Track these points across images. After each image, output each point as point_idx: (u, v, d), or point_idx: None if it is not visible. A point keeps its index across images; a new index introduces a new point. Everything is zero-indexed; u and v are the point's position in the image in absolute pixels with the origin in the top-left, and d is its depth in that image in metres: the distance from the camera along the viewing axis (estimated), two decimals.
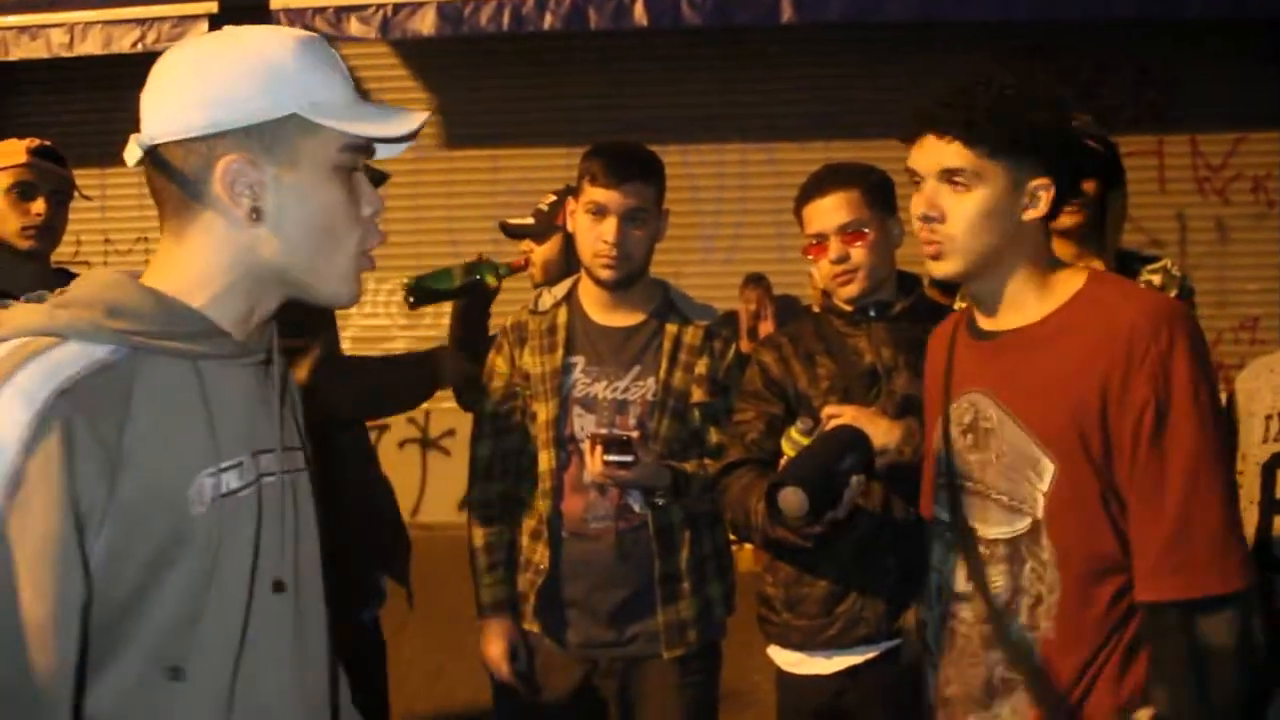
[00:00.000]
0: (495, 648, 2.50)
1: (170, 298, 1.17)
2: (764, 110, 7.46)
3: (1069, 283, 1.69)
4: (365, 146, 1.23)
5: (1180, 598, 1.51)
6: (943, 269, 1.69)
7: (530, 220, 3.08)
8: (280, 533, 1.26)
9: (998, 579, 1.68)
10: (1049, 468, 1.61)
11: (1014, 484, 1.65)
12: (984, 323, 1.75)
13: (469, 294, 2.86)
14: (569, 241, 2.79)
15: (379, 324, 7.85)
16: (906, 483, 2.13)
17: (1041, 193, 1.65)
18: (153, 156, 1.19)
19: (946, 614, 1.77)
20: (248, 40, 1.19)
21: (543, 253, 3.04)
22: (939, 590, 1.81)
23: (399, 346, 7.60)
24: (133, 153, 1.21)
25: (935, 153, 1.66)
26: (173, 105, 1.18)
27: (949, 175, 1.65)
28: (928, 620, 1.85)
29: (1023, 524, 1.65)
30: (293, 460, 1.31)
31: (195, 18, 6.85)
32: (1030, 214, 1.66)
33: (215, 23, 6.73)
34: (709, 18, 6.26)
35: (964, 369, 1.77)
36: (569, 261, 2.81)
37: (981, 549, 1.69)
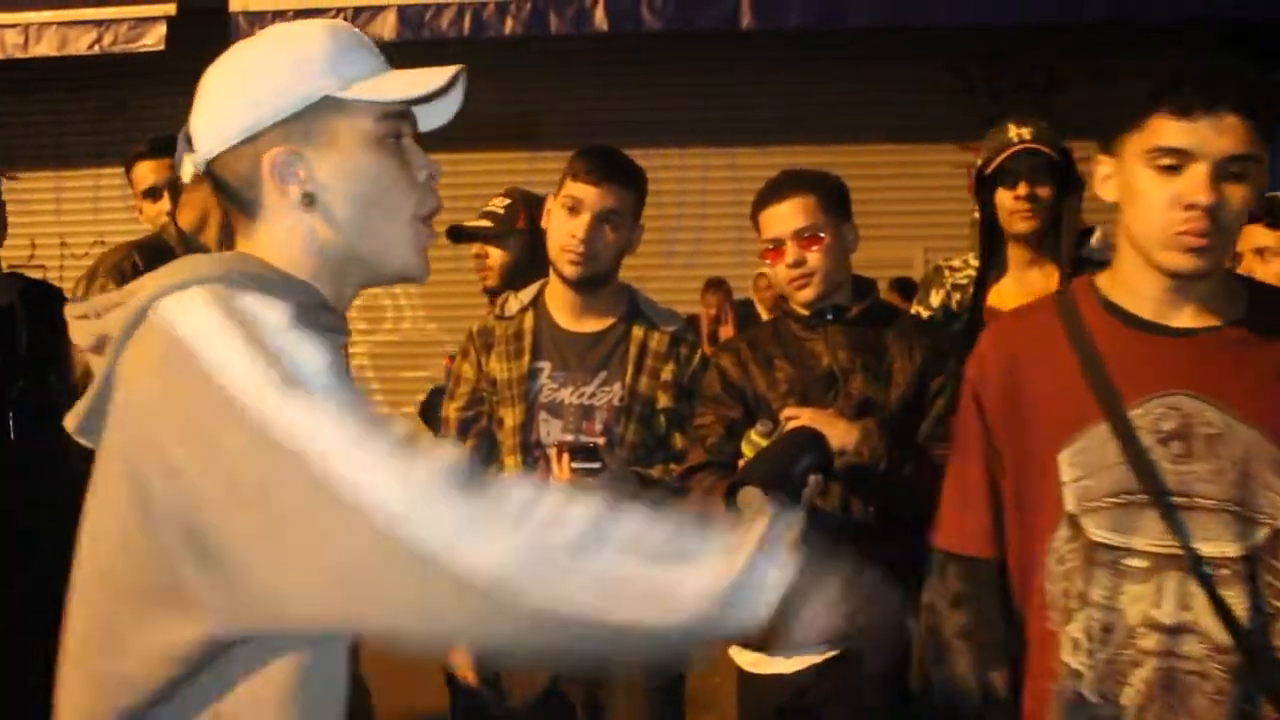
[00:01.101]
0: (461, 654, 2.51)
1: (300, 278, 1.20)
2: (724, 115, 7.50)
3: (1237, 284, 1.63)
4: (405, 113, 1.25)
5: None
6: (1202, 264, 1.50)
7: (486, 223, 3.02)
8: None
9: (1237, 601, 1.49)
10: None
11: (1250, 493, 1.50)
12: (1166, 318, 1.58)
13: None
14: (533, 244, 2.78)
15: None
16: (865, 484, 2.17)
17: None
18: (209, 172, 1.24)
19: (1140, 654, 1.54)
20: (269, 39, 1.24)
21: (500, 256, 3.00)
22: (1107, 630, 1.56)
23: (359, 350, 7.58)
24: (187, 170, 1.26)
25: (1229, 134, 1.45)
26: (214, 119, 1.22)
27: (1233, 161, 1.46)
28: (1083, 669, 1.58)
29: (1259, 535, 1.50)
30: None
31: (153, 19, 6.78)
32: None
33: (172, 25, 6.68)
34: (669, 22, 6.29)
35: (1138, 368, 1.57)
36: (533, 265, 2.81)
37: (1205, 570, 1.50)
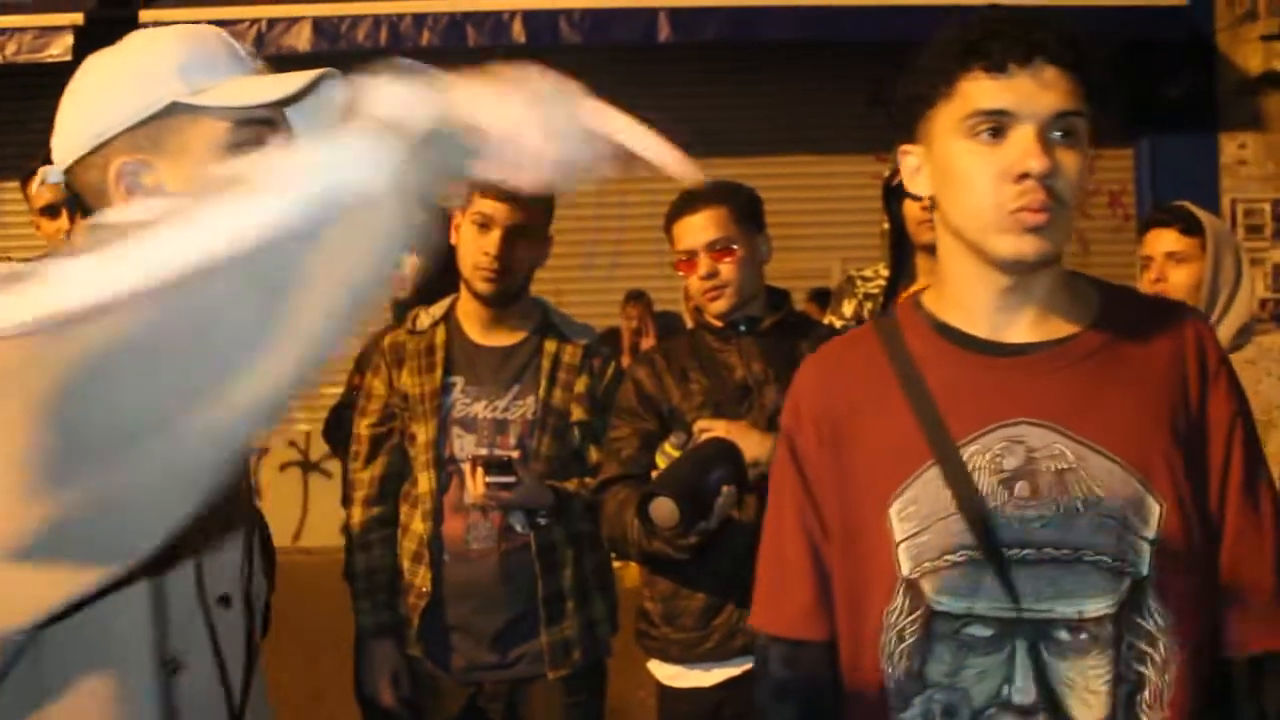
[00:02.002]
0: (383, 676, 2.47)
1: None
2: None
3: (1083, 286, 1.37)
4: (267, 120, 1.19)
5: None
6: (1045, 246, 1.25)
7: None
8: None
9: (1096, 671, 1.23)
10: (1154, 508, 1.25)
11: (1109, 538, 1.24)
12: (999, 333, 1.32)
13: None
14: (444, 258, 2.77)
15: None
16: None
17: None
18: (67, 184, 1.21)
19: None
20: (122, 47, 1.20)
21: (415, 266, 3.01)
22: (949, 714, 1.28)
23: None
24: (38, 184, 1.22)
25: (1051, 89, 1.23)
26: (66, 131, 1.19)
27: (1059, 122, 1.24)
28: None
29: (1120, 588, 1.24)
30: None
31: (59, 29, 6.63)
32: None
33: (80, 35, 6.53)
34: (587, 35, 6.32)
35: (972, 396, 1.31)
36: (443, 279, 2.80)
37: (1062, 635, 1.24)
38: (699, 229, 2.30)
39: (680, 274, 2.37)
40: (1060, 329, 1.32)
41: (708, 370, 2.34)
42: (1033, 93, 1.23)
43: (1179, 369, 1.30)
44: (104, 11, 6.60)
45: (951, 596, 1.27)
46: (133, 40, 1.21)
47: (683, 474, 1.98)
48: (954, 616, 1.27)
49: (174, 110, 1.16)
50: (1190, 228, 2.67)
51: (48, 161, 3.20)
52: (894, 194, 2.70)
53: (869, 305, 2.77)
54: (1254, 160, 7.98)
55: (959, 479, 1.27)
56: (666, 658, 2.37)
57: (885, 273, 2.79)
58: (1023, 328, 1.32)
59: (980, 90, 1.25)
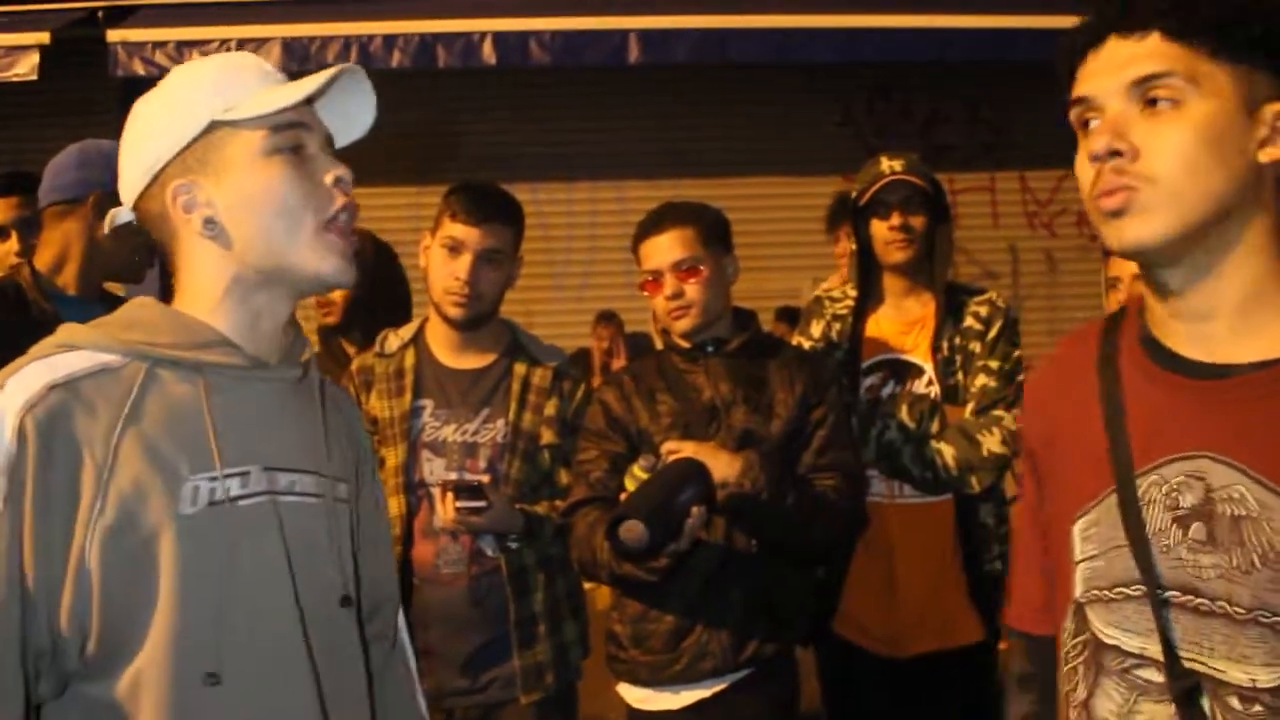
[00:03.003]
0: None
1: (181, 313, 1.27)
2: (613, 149, 7.54)
3: None
4: (303, 124, 1.28)
5: None
6: (1138, 231, 1.09)
7: None
8: (327, 556, 1.30)
9: None
10: None
11: None
12: (1195, 349, 1.16)
13: None
14: (374, 283, 2.76)
15: None
16: (747, 515, 2.18)
17: None
18: (137, 223, 1.32)
19: None
20: (161, 86, 1.31)
21: (344, 291, 3.00)
22: None
23: None
24: (109, 224, 1.34)
25: (1121, 60, 1.11)
26: (125, 173, 1.30)
27: (1145, 89, 1.10)
28: None
29: None
30: (335, 490, 1.34)
31: (25, 48, 6.56)
32: (1271, 152, 1.10)
33: (46, 54, 6.48)
34: (557, 57, 6.31)
35: (1160, 420, 1.16)
36: (373, 304, 2.80)
37: (1233, 702, 1.09)
38: (665, 249, 2.31)
39: (646, 294, 2.37)
40: (1256, 350, 1.12)
41: (675, 392, 2.34)
42: (1102, 73, 1.13)
43: None
44: (71, 31, 6.54)
45: (1123, 631, 1.17)
46: (171, 76, 1.31)
47: (652, 495, 1.98)
48: (1125, 653, 1.17)
49: (214, 129, 1.26)
50: None
51: (5, 184, 3.17)
52: (861, 215, 2.72)
53: (837, 326, 2.78)
54: None
55: (1130, 510, 1.15)
56: (635, 680, 2.35)
57: (853, 293, 2.80)
58: (1225, 345, 1.14)
59: (1077, 81, 1.17)
